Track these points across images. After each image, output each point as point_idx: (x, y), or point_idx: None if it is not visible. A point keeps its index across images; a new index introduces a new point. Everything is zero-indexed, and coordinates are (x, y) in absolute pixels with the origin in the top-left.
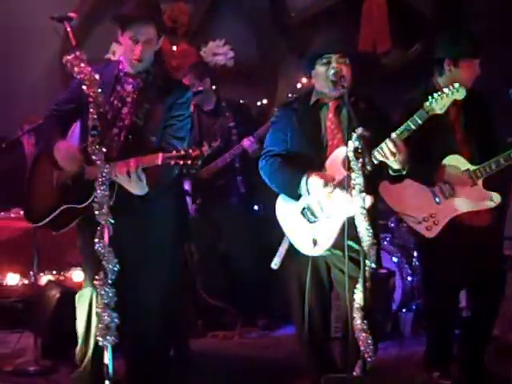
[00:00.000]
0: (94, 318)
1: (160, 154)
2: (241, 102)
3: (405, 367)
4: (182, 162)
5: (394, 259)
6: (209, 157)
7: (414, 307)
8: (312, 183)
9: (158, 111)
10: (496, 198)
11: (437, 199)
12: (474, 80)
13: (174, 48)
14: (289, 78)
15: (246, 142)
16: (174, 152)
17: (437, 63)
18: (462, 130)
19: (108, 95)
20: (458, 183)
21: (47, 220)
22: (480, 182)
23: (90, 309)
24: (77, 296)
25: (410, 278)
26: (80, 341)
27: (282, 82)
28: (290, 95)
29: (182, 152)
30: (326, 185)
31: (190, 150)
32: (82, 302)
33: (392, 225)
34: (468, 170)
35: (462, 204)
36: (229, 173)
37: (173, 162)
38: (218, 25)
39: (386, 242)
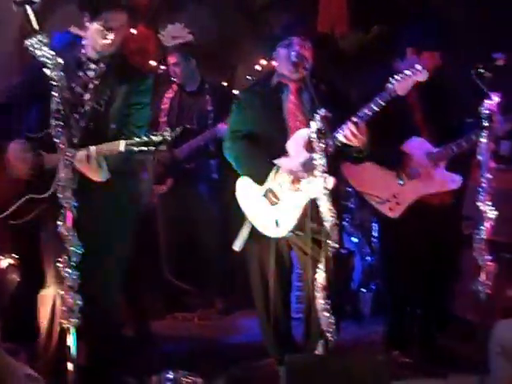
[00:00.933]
0: (58, 318)
1: (122, 141)
2: (223, 85)
3: (365, 346)
4: (144, 149)
5: (354, 239)
6: (185, 139)
7: (373, 287)
8: (282, 177)
9: (118, 98)
10: (457, 179)
11: (400, 181)
12: (435, 67)
13: (133, 31)
14: (248, 60)
15: (220, 128)
16: (137, 139)
17: (397, 49)
18: (423, 113)
19: (69, 80)
20: (421, 165)
21: (10, 211)
22: (442, 163)
23: (54, 310)
24: (39, 297)
25: (369, 258)
26: (43, 335)
27: (241, 65)
28: (248, 77)
29: (145, 138)
30: (293, 183)
31: (153, 136)
32: (45, 303)
33: (352, 205)
34: (430, 152)
35: (425, 186)
36: (202, 156)
37: (136, 149)
38: (178, 8)
39: (345, 223)
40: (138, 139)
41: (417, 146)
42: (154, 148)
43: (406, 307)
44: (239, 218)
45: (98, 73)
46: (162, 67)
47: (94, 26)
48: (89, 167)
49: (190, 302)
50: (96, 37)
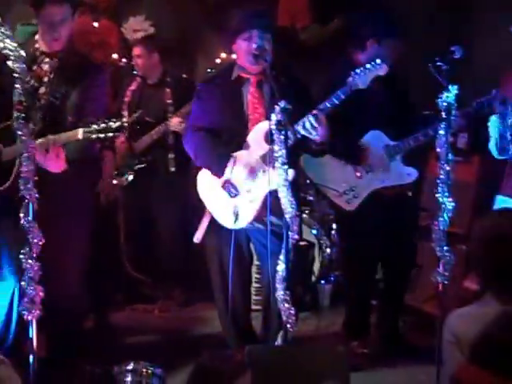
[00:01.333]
0: (16, 306)
1: (80, 129)
2: (185, 78)
3: (324, 337)
4: (102, 136)
5: (313, 231)
6: (143, 131)
7: (332, 279)
8: (238, 171)
9: (74, 92)
10: (413, 173)
11: (357, 173)
12: (395, 57)
13: (95, 24)
14: (208, 53)
15: (173, 122)
16: (94, 126)
17: (358, 40)
18: (382, 106)
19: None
20: (378, 158)
21: None
22: (398, 157)
23: (12, 301)
24: None
25: (328, 250)
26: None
27: (201, 58)
28: (209, 70)
29: (103, 125)
30: (246, 180)
31: (111, 123)
32: (3, 293)
33: (311, 198)
34: (387, 145)
35: (382, 178)
36: (160, 149)
37: (94, 136)
38: (139, 1)
39: (304, 215)
40: (95, 126)
41: (375, 139)
42: (111, 134)
43: (365, 298)
44: (199, 209)
45: (52, 66)
46: (124, 60)
47: (41, 21)
48: (46, 158)
49: (151, 294)
50: (44, 31)
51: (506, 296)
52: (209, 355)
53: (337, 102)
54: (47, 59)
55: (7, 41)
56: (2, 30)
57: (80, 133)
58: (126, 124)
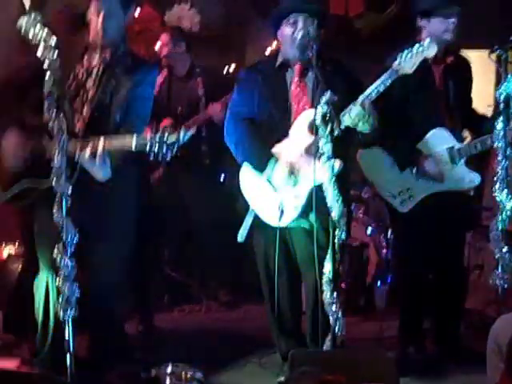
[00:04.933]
0: (52, 304)
1: (134, 138)
2: (216, 69)
3: (378, 342)
4: (156, 149)
5: (368, 231)
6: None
7: (388, 280)
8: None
9: (123, 89)
10: (476, 178)
11: (415, 174)
12: (452, 35)
13: (137, 11)
14: (257, 42)
15: (212, 109)
16: (148, 137)
17: (414, 21)
18: (448, 98)
19: (74, 65)
20: (439, 163)
21: (10, 196)
22: (462, 161)
23: (47, 294)
24: (35, 284)
25: (384, 251)
26: (39, 326)
27: (250, 47)
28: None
29: (157, 138)
30: (290, 175)
31: (165, 137)
32: (39, 288)
33: (366, 195)
34: (451, 148)
35: (441, 182)
36: (193, 142)
37: (147, 148)
38: None
39: (360, 213)
40: (150, 137)
41: (437, 140)
42: (165, 149)
43: (418, 302)
44: (242, 207)
45: (102, 60)
46: None
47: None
48: (93, 163)
49: (194, 295)
50: (92, 22)
51: None
52: (117, 374)
53: (383, 87)
54: (98, 52)
55: (38, 26)
56: (32, 17)
57: (134, 142)
58: (181, 141)
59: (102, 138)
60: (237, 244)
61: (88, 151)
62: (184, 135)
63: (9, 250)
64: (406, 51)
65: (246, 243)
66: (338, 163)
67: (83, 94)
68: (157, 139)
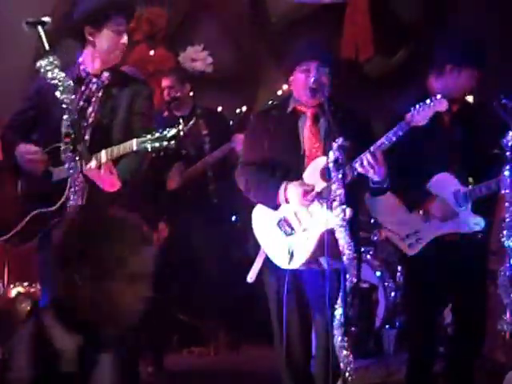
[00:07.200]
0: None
1: (134, 139)
2: (217, 110)
3: None
4: (157, 145)
5: (377, 274)
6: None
7: (397, 324)
8: (291, 192)
9: (121, 109)
10: (481, 222)
11: (423, 218)
12: (468, 90)
13: (152, 53)
14: (269, 84)
15: (237, 139)
16: (148, 136)
17: (436, 65)
18: (453, 145)
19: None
20: (445, 205)
21: (15, 231)
22: (468, 204)
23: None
24: None
25: (393, 294)
26: None
27: (262, 89)
28: (270, 102)
29: (157, 134)
30: (305, 194)
31: (165, 132)
32: None
33: (375, 238)
34: (457, 191)
35: (448, 225)
36: (198, 183)
37: (149, 146)
38: (197, 30)
39: (369, 256)
40: (149, 135)
41: (443, 184)
42: (167, 143)
43: (430, 345)
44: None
45: (100, 85)
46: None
47: (105, 33)
48: (99, 174)
49: (205, 336)
50: (107, 45)
51: None
52: None
53: (394, 138)
54: (94, 79)
55: (56, 70)
56: (51, 59)
57: (134, 143)
58: (181, 132)
59: (103, 151)
60: (247, 284)
61: (94, 164)
62: (183, 128)
63: (18, 289)
64: (418, 105)
65: (256, 285)
66: (349, 211)
67: (85, 121)
68: (157, 135)
